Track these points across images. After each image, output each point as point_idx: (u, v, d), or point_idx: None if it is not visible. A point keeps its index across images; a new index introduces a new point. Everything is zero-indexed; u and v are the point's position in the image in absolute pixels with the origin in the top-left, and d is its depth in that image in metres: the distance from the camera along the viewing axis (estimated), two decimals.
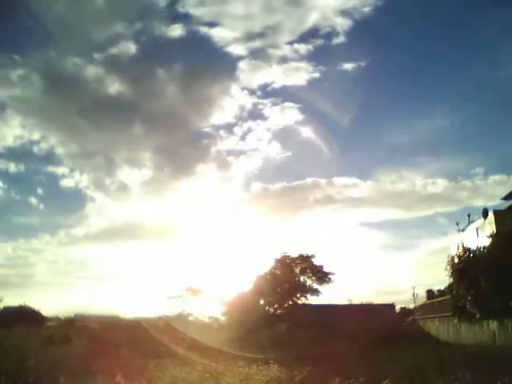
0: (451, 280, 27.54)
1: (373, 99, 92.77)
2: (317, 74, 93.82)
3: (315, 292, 39.56)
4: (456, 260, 26.68)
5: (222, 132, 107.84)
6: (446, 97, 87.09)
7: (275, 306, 38.59)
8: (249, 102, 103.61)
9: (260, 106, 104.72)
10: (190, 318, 36.65)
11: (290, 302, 38.89)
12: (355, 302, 45.62)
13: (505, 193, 37.62)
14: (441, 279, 27.93)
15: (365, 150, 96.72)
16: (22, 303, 38.02)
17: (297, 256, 40.22)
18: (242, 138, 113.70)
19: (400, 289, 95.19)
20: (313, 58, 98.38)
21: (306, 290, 39.38)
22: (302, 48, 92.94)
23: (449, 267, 26.96)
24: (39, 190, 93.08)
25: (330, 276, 39.96)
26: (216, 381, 13.24)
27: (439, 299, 38.33)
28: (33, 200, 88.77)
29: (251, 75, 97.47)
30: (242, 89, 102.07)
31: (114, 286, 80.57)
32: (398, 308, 51.01)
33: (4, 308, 35.27)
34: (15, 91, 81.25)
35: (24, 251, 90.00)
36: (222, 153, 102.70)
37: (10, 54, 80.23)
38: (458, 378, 10.99)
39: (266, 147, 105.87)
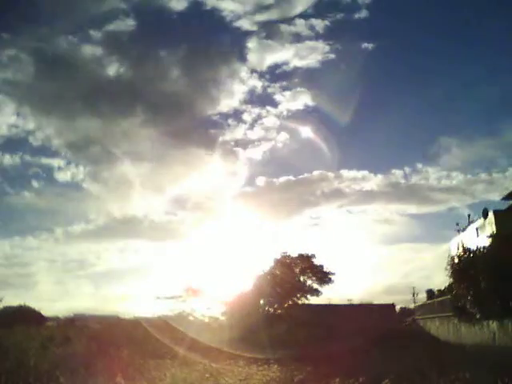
0: (451, 280, 27.56)
1: (392, 85, 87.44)
2: (333, 55, 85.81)
3: (315, 292, 39.53)
4: (456, 260, 26.70)
5: (228, 120, 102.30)
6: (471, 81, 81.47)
7: (275, 306, 38.54)
8: (258, 85, 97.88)
9: (269, 91, 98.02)
10: (190, 318, 36.57)
11: (290, 302, 38.84)
12: (355, 302, 45.69)
13: None
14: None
15: (378, 142, 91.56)
16: (21, 303, 38.08)
17: (297, 256, 40.18)
18: (250, 126, 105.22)
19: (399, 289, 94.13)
20: (330, 35, 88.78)
21: (306, 289, 39.34)
22: (319, 24, 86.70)
23: (449, 267, 26.98)
24: (35, 184, 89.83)
25: (330, 276, 39.91)
26: (216, 381, 13.26)
27: (439, 299, 38.33)
28: (28, 194, 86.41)
29: (261, 56, 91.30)
30: (252, 71, 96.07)
31: (113, 286, 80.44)
32: (397, 308, 51.03)
33: (4, 308, 35.27)
34: (6, 74, 75.96)
35: (21, 249, 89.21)
36: (227, 143, 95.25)
37: None
38: (458, 378, 10.99)
39: (274, 136, 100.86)
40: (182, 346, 21.93)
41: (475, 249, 26.54)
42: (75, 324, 32.79)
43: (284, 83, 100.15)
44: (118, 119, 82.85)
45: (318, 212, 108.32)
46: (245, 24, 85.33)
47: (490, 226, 32.79)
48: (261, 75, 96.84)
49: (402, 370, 13.19)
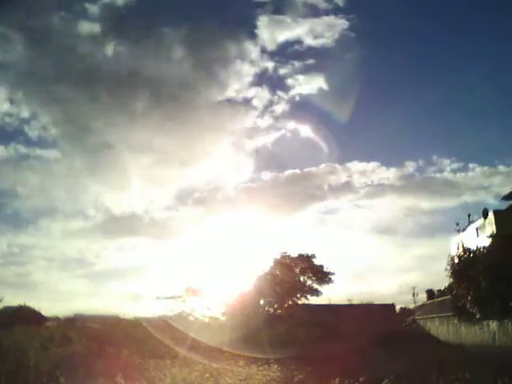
0: (451, 280, 27.56)
1: (413, 71, 77.68)
2: (352, 34, 76.15)
3: (315, 292, 39.54)
4: (456, 260, 26.70)
5: (236, 107, 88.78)
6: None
7: (275, 306, 38.55)
8: (268, 67, 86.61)
9: (281, 73, 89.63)
10: (190, 318, 36.58)
11: (290, 302, 38.85)
12: (355, 302, 45.71)
13: None
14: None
15: (392, 132, 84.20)
16: (21, 303, 38.07)
17: (297, 256, 40.20)
18: (260, 114, 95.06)
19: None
20: (350, 9, 78.18)
21: (306, 290, 39.35)
22: None
23: (449, 267, 26.98)
24: (30, 178, 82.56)
25: (330, 276, 39.94)
26: (216, 381, 13.25)
27: (439, 299, 38.34)
28: (23, 189, 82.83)
29: (272, 33, 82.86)
30: (262, 50, 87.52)
31: (113, 285, 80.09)
32: (398, 308, 51.02)
33: (4, 308, 35.25)
34: None
35: (17, 247, 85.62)
36: (234, 133, 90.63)
37: None
38: (457, 378, 10.99)
39: (282, 125, 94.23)
40: (182, 346, 21.92)
41: (475, 249, 26.54)
42: (75, 324, 32.76)
43: (296, 64, 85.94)
44: (115, 104, 76.13)
45: (325, 207, 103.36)
46: None
47: (489, 226, 32.82)
48: (271, 55, 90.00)
49: (402, 370, 13.19)
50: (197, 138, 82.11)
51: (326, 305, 40.56)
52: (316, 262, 40.27)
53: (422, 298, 53.91)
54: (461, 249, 27.12)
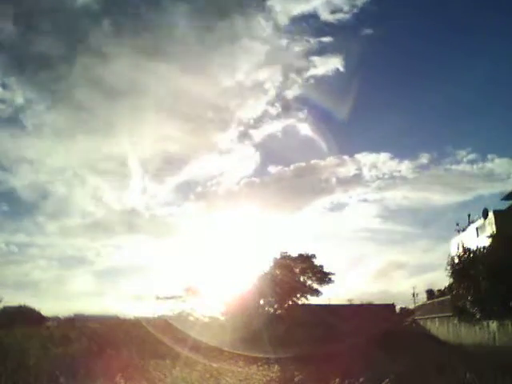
0: (451, 280, 27.54)
1: (432, 56, 75.01)
2: (375, 7, 74.55)
3: (315, 292, 39.53)
4: (456, 260, 26.69)
5: (244, 92, 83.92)
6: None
7: (275, 306, 38.55)
8: (281, 44, 78.88)
9: (294, 51, 79.54)
10: (190, 318, 36.57)
11: (290, 302, 38.84)
12: (355, 302, 45.71)
13: None
14: None
15: (407, 122, 79.83)
16: (21, 303, 38.06)
17: (297, 256, 40.19)
18: (269, 102, 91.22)
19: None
20: None
21: (306, 290, 39.35)
22: None
23: (449, 267, 26.97)
24: (25, 172, 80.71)
25: (330, 276, 39.92)
26: (216, 381, 13.25)
27: (439, 299, 38.31)
28: (17, 183, 79.83)
29: (285, 7, 78.06)
30: (274, 26, 77.88)
31: (112, 285, 79.88)
32: (398, 308, 50.97)
33: (4, 308, 35.25)
34: None
35: (15, 246, 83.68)
36: (241, 122, 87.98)
37: None
38: (457, 378, 10.99)
39: (294, 113, 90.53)
40: (182, 346, 21.92)
41: (475, 249, 26.53)
42: (75, 324, 32.77)
43: (312, 41, 79.71)
44: (117, 91, 72.18)
45: (331, 202, 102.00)
46: None
47: (489, 226, 32.80)
48: (284, 31, 78.99)
49: (401, 370, 13.19)
50: (201, 127, 79.35)
51: (325, 305, 40.54)
52: (316, 262, 40.29)
53: (422, 298, 53.96)
54: (461, 249, 27.11)
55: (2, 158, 77.73)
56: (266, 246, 57.28)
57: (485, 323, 26.03)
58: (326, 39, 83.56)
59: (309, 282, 39.82)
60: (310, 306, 39.14)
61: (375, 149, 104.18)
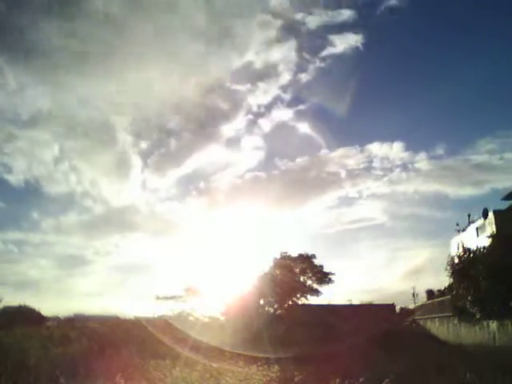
0: (451, 280, 27.54)
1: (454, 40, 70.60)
2: None
3: (315, 292, 39.53)
4: (456, 260, 26.69)
5: (254, 77, 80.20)
6: None
7: (275, 306, 38.55)
8: (296, 19, 71.48)
9: (307, 27, 72.82)
10: (190, 318, 36.58)
11: (290, 302, 38.84)
12: (355, 302, 45.74)
13: None
14: None
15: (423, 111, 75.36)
16: (21, 303, 38.06)
17: (297, 256, 40.19)
18: (282, 88, 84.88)
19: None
20: None
21: (306, 290, 39.35)
22: None
23: (449, 267, 26.97)
24: (20, 165, 78.41)
25: (330, 276, 39.92)
26: (216, 381, 13.25)
27: (439, 299, 38.31)
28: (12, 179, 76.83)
29: None
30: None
31: (112, 284, 79.67)
32: (398, 308, 50.98)
33: (4, 308, 35.25)
34: None
35: (11, 245, 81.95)
36: (250, 111, 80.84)
37: None
38: (457, 378, 10.99)
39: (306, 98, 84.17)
40: (183, 346, 21.92)
41: (475, 249, 26.52)
42: (75, 324, 32.78)
43: (330, 14, 71.66)
44: (114, 79, 69.46)
45: (339, 197, 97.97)
46: None
47: (489, 226, 32.80)
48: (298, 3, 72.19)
49: (401, 370, 13.19)
50: (205, 116, 74.46)
51: (325, 305, 40.53)
52: (316, 261, 40.29)
53: (422, 297, 53.98)
54: (461, 249, 27.12)
55: None
56: (268, 244, 57.03)
57: (485, 323, 26.03)
58: (346, 13, 73.80)
59: (309, 282, 39.84)
60: (309, 305, 39.15)
61: (388, 138, 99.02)
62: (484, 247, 26.18)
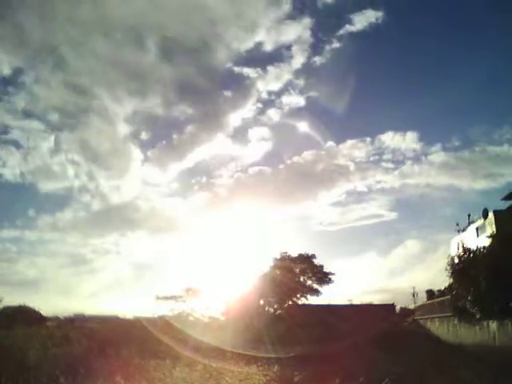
0: (451, 280, 27.54)
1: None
2: None
3: (315, 292, 39.54)
4: (456, 260, 26.69)
5: (263, 59, 74.01)
6: None
7: (275, 306, 38.56)
8: None
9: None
10: (190, 318, 36.58)
11: (290, 302, 38.85)
12: (355, 302, 45.73)
13: None
14: None
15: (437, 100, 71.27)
16: (21, 303, 38.03)
17: (297, 256, 40.20)
18: (295, 73, 78.73)
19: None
20: None
21: (306, 290, 39.36)
22: None
23: (449, 267, 26.97)
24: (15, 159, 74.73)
25: (330, 276, 39.93)
26: (216, 381, 13.25)
27: (439, 299, 38.31)
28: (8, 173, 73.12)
29: None
30: None
31: (112, 284, 79.31)
32: (398, 308, 50.98)
33: (4, 308, 35.22)
34: None
35: (6, 243, 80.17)
36: (259, 98, 74.85)
37: None
38: (457, 378, 10.99)
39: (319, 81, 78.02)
40: (182, 346, 21.92)
41: (475, 249, 26.52)
42: (75, 324, 32.76)
43: None
44: (117, 63, 64.55)
45: (346, 192, 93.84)
46: None
47: (489, 226, 32.81)
48: None
49: (402, 370, 13.19)
50: (210, 103, 68.80)
51: (325, 305, 40.53)
52: (316, 261, 40.30)
53: (422, 297, 53.97)
54: (461, 249, 27.11)
55: None
56: (270, 243, 56.79)
57: (485, 323, 26.02)
58: None
59: (309, 282, 39.85)
60: (309, 306, 39.15)
61: (401, 129, 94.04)
62: (484, 247, 26.18)
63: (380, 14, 68.67)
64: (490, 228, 32.07)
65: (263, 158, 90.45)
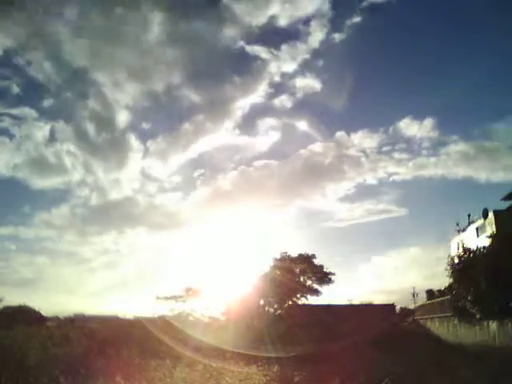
0: (451, 280, 27.54)
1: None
2: None
3: (315, 292, 39.53)
4: (456, 260, 26.69)
5: (276, 38, 69.01)
6: None
7: (275, 306, 38.57)
8: None
9: None
10: (190, 318, 36.58)
11: (290, 303, 38.85)
12: (355, 302, 45.73)
13: None
14: None
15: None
16: (21, 303, 38.05)
17: (297, 256, 40.20)
18: (312, 53, 73.80)
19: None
20: None
21: (306, 290, 39.36)
22: None
23: (449, 267, 26.97)
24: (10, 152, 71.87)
25: (329, 276, 39.93)
26: (216, 381, 13.25)
27: (439, 299, 38.30)
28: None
29: None
30: None
31: (112, 284, 79.16)
32: (398, 308, 50.98)
33: (4, 308, 35.24)
34: None
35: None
36: (272, 82, 72.55)
37: None
38: (458, 378, 10.98)
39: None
40: (182, 346, 21.92)
41: (475, 249, 26.52)
42: (75, 324, 32.78)
43: None
44: (117, 41, 61.05)
45: (354, 187, 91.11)
46: None
47: (489, 226, 32.81)
48: None
49: (401, 370, 13.19)
50: (217, 89, 64.02)
51: (325, 305, 40.54)
52: (316, 261, 40.30)
53: (422, 298, 53.96)
54: (461, 249, 27.11)
55: None
56: (272, 242, 56.41)
57: (485, 323, 26.01)
58: None
59: (309, 282, 39.85)
60: (309, 306, 39.16)
61: (418, 117, 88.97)
62: (484, 247, 26.18)
63: None
64: (490, 228, 32.07)
65: (270, 149, 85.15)
